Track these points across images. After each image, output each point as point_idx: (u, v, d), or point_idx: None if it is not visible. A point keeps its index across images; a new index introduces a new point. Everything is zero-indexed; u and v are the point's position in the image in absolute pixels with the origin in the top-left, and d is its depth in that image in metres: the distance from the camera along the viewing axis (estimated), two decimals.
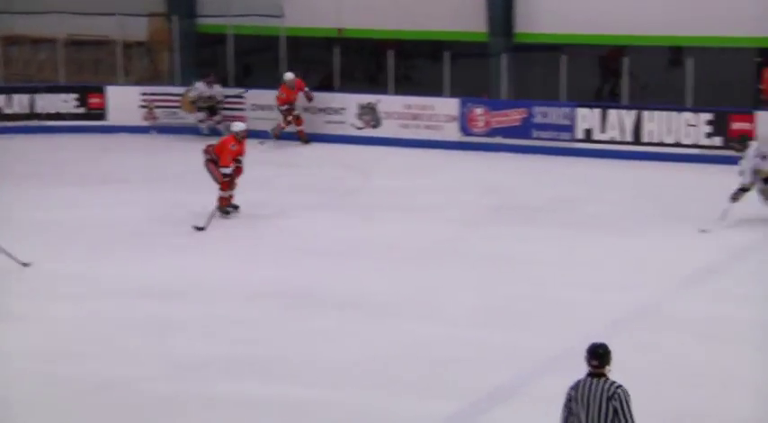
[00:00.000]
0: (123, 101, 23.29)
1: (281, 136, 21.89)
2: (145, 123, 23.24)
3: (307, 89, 22.07)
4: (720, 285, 13.34)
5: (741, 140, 16.26)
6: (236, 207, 16.73)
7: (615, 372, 7.40)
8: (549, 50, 21.62)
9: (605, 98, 22.54)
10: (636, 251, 14.76)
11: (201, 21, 24.59)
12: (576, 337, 10.19)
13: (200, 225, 15.85)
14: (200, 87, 22.45)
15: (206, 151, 16.75)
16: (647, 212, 16.67)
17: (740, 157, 15.72)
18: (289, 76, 21.94)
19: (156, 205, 17.53)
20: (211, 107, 22.58)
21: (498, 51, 21.68)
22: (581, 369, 7.47)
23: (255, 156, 18.54)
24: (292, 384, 10.63)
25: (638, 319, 12.24)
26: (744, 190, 15.54)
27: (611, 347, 7.42)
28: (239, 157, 16.60)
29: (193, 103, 22.57)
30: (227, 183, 16.55)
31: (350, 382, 10.73)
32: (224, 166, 16.50)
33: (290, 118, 21.95)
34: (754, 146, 15.76)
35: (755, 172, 15.48)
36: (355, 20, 23.37)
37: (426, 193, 18.42)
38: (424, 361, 11.17)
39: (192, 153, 18.20)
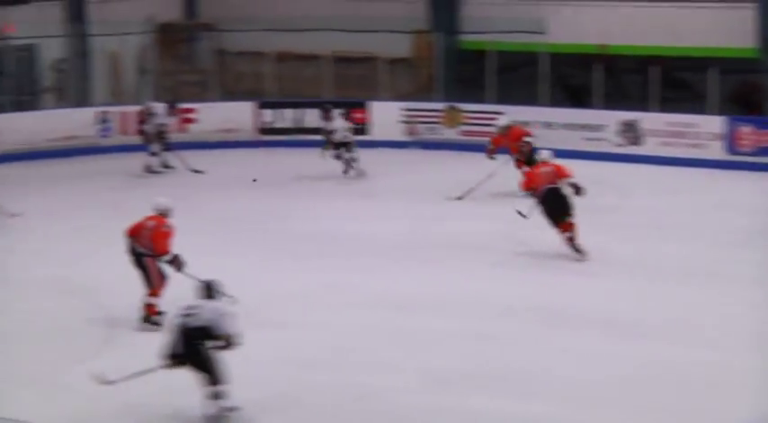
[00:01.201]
0: (386, 116, 23.65)
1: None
2: (406, 138, 23.56)
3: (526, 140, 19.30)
4: None
5: None
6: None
7: None
8: None
9: None
10: None
11: (463, 37, 24.83)
12: None
13: None
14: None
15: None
16: None
17: None
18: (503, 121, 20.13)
19: (414, 218, 17.74)
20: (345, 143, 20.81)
21: None
22: None
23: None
24: (545, 401, 10.67)
25: None
26: None
27: None
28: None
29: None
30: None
31: (602, 402, 10.65)
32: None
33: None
34: None
35: None
36: (618, 36, 23.16)
37: (685, 212, 18.14)
38: (678, 385, 10.95)
39: (451, 168, 18.80)
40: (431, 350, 12.14)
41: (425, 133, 23.61)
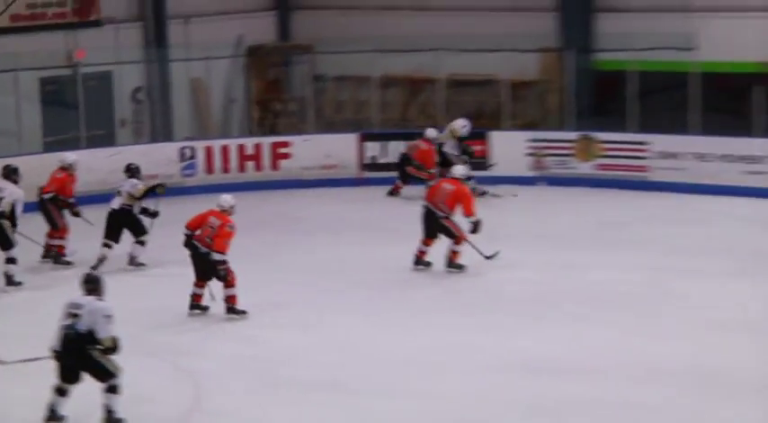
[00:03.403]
0: (508, 147, 22.86)
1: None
2: (532, 173, 22.75)
3: None
4: None
5: None
6: None
7: None
8: None
9: None
10: None
11: (599, 56, 24.35)
12: None
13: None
14: None
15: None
16: None
17: None
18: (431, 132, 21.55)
19: (544, 266, 17.19)
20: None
21: None
22: None
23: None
24: None
25: None
26: None
27: None
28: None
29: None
30: None
31: None
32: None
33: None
34: None
35: None
36: None
37: None
38: None
39: (585, 207, 19.33)
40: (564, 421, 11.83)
41: (555, 167, 22.76)
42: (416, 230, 18.16)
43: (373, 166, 23.31)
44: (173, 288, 16.23)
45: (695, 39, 22.27)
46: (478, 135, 22.78)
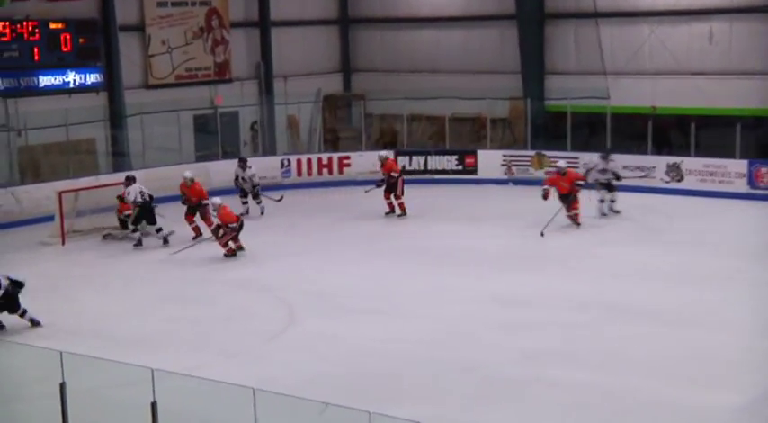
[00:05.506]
0: (489, 161, 23.15)
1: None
2: (504, 177, 23.00)
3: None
4: None
5: None
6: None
7: None
8: None
9: None
10: None
11: (548, 102, 24.38)
12: None
13: None
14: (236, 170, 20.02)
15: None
16: None
17: None
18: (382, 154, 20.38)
19: (511, 236, 17.55)
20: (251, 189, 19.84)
21: None
22: None
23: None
24: (602, 372, 10.61)
25: None
26: None
27: None
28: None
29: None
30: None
31: (645, 372, 10.56)
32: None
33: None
34: None
35: None
36: (665, 99, 22.81)
37: (715, 232, 17.81)
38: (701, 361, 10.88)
39: (537, 199, 17.98)
40: (516, 333, 12.02)
41: (519, 173, 23.03)
42: (434, 214, 18.84)
43: (403, 172, 22.03)
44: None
45: (608, 91, 23.07)
46: (471, 152, 23.24)
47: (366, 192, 20.19)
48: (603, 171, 19.20)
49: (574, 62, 24.23)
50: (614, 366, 10.92)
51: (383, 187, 19.73)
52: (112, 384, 9.17)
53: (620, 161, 19.98)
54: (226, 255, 16.49)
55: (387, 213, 19.72)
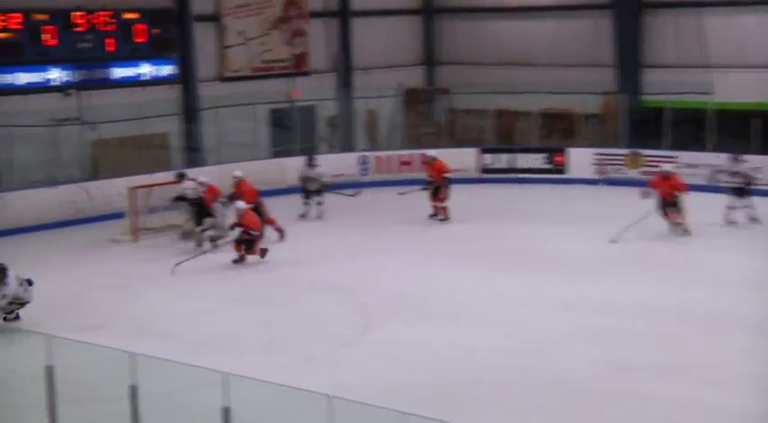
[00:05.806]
0: (581, 159, 22.93)
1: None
2: (597, 176, 22.73)
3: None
4: None
5: None
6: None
7: None
8: None
9: None
10: None
11: (645, 97, 24.12)
12: None
13: None
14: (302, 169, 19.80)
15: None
16: None
17: None
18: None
19: (600, 239, 17.07)
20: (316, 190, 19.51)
21: None
22: None
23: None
24: (702, 388, 10.28)
25: None
26: None
27: None
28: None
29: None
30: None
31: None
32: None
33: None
34: None
35: None
36: None
37: None
38: None
39: (633, 201, 17.58)
40: (603, 343, 11.78)
41: (612, 173, 22.76)
42: (519, 215, 18.75)
43: (489, 170, 23.34)
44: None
45: (713, 86, 22.52)
46: (560, 150, 22.99)
47: (400, 194, 20.00)
48: (735, 173, 17.96)
49: (673, 55, 23.85)
50: (716, 381, 10.59)
51: (430, 190, 19.22)
52: (183, 388, 9.23)
53: (724, 161, 19.25)
54: (235, 261, 16.14)
55: (431, 216, 19.26)
